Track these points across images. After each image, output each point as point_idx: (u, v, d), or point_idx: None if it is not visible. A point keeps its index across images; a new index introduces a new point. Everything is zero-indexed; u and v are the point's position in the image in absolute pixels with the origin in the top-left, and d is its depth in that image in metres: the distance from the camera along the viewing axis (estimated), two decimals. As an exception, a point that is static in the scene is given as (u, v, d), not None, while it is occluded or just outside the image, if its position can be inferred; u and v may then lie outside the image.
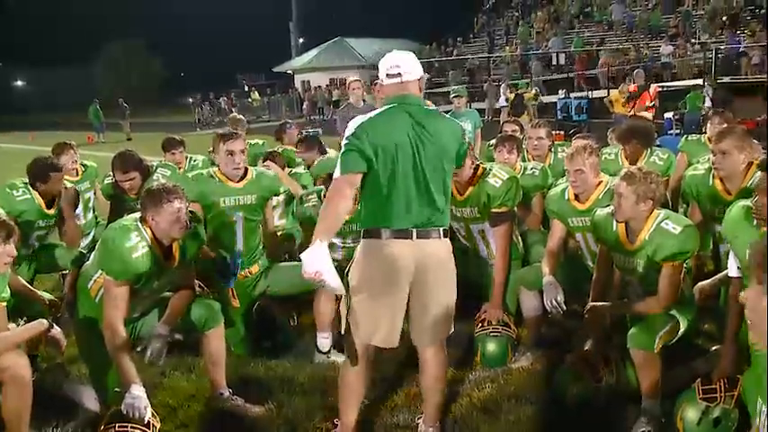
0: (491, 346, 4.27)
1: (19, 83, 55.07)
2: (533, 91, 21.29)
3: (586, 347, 3.85)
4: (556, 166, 5.24)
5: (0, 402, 3.30)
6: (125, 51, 66.30)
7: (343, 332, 3.26)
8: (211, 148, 5.01)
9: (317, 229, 2.93)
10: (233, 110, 28.92)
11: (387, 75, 3.16)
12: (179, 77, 70.76)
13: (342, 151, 3.04)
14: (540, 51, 28.17)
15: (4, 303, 3.55)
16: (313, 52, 43.84)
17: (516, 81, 25.11)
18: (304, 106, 35.83)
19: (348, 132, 3.04)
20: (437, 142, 3.11)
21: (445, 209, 3.19)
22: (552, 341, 4.50)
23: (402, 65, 3.14)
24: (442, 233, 3.18)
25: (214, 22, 78.66)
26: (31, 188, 4.86)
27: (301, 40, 47.79)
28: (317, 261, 2.81)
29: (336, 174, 3.02)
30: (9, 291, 3.55)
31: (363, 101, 8.00)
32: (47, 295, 4.17)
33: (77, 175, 5.94)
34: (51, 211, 4.94)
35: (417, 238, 3.09)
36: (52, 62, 63.54)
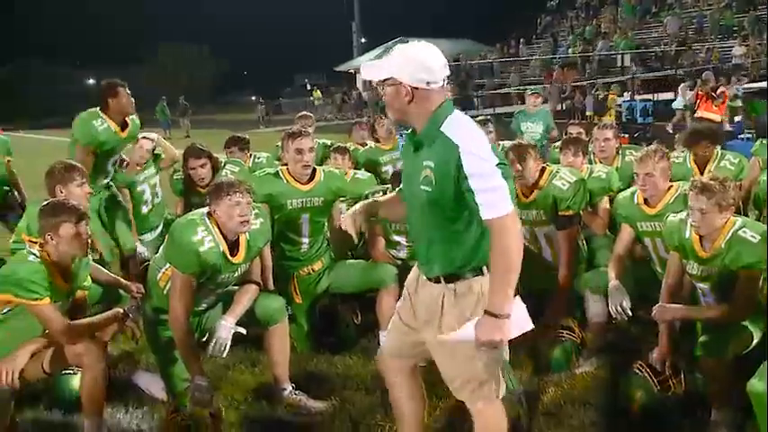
0: (555, 351, 4.22)
1: (91, 81, 56.83)
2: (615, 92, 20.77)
3: (653, 354, 3.77)
4: (623, 170, 5.13)
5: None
6: (187, 50, 67.63)
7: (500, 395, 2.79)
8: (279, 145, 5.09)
9: (503, 282, 2.45)
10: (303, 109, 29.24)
11: (446, 77, 2.62)
12: (240, 76, 71.97)
13: (500, 179, 2.45)
14: (605, 53, 27.63)
15: (86, 292, 3.70)
16: (375, 52, 43.99)
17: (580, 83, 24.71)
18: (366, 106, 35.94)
19: (486, 151, 2.48)
20: None
21: None
22: (617, 347, 4.41)
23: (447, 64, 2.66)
24: None
25: (275, 22, 79.71)
26: (104, 115, 5.10)
27: (363, 40, 48.04)
28: (522, 320, 2.54)
29: (508, 207, 2.44)
30: (90, 280, 3.70)
31: None
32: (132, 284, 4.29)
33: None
34: (125, 134, 5.22)
35: None
36: (120, 61, 65.36)
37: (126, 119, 5.25)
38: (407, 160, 2.78)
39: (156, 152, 6.11)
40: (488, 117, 6.64)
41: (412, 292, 2.86)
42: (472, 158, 2.45)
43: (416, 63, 2.54)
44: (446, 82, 2.61)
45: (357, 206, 3.04)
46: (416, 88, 2.55)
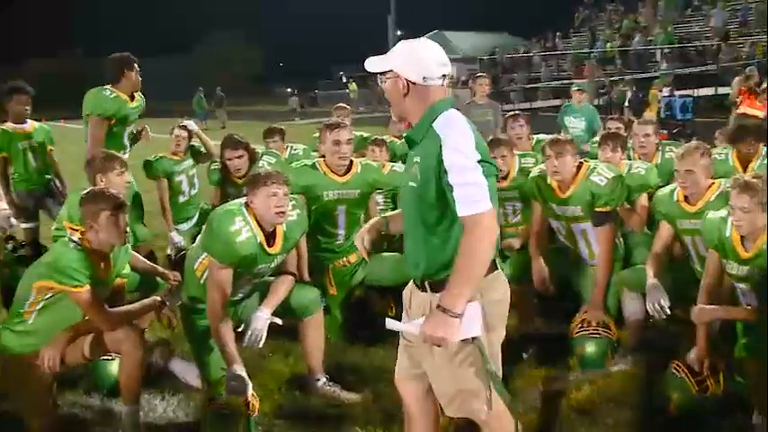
0: (590, 348, 4.17)
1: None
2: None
3: (691, 354, 3.72)
4: (663, 166, 5.05)
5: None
6: (223, 42, 68.16)
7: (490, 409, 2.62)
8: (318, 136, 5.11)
9: (462, 280, 2.36)
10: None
11: (443, 74, 2.55)
12: (276, 68, 72.29)
13: (479, 176, 2.38)
14: (643, 47, 27.20)
15: (125, 279, 3.76)
16: (410, 45, 43.90)
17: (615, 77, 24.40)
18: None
19: (469, 147, 2.41)
20: None
21: None
22: (654, 346, 4.36)
23: (449, 62, 2.59)
24: None
25: (312, 15, 79.91)
26: (114, 88, 5.17)
27: (399, 33, 47.92)
28: (475, 325, 2.42)
29: (485, 206, 2.36)
30: (129, 268, 3.76)
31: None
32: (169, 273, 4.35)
33: (183, 153, 6.23)
34: (134, 104, 5.29)
35: None
36: (154, 51, 66.14)
37: (134, 93, 5.34)
38: (407, 158, 2.75)
39: (193, 144, 6.17)
40: (518, 112, 6.57)
41: (407, 307, 2.79)
42: (452, 153, 2.40)
43: (415, 58, 2.52)
44: (446, 81, 2.56)
45: (366, 226, 3.01)
46: (413, 83, 2.52)
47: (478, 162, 2.39)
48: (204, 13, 76.45)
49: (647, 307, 3.93)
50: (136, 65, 5.27)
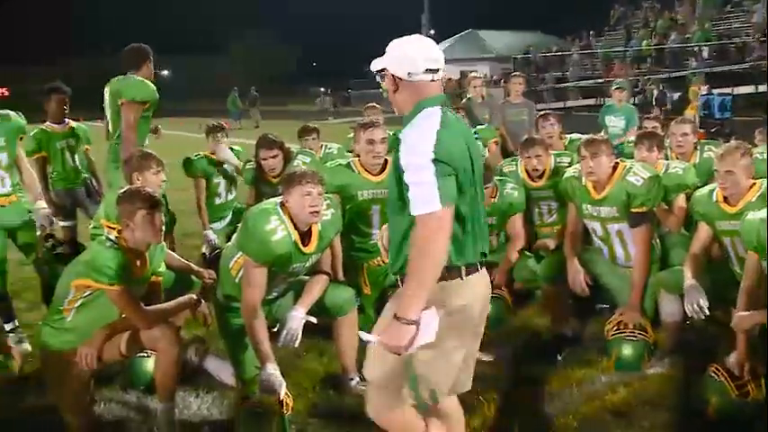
0: (627, 350, 4.13)
1: (164, 72, 58.44)
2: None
3: (731, 358, 3.64)
4: (701, 166, 4.98)
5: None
6: (257, 41, 68.64)
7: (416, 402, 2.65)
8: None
9: (418, 291, 2.32)
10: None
11: (426, 69, 2.50)
12: (310, 67, 72.63)
13: (431, 175, 2.33)
14: (678, 45, 26.77)
15: (161, 278, 3.80)
16: (444, 44, 43.83)
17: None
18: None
19: (425, 146, 2.35)
20: (477, 154, 2.62)
21: None
22: (692, 348, 4.29)
23: (440, 58, 2.54)
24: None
25: (345, 14, 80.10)
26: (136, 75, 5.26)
27: (432, 32, 47.87)
28: (427, 337, 2.35)
29: (434, 206, 2.31)
30: (165, 266, 3.80)
31: (482, 97, 8.01)
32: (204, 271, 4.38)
33: None
34: None
35: (482, 267, 2.64)
36: (187, 51, 66.76)
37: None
38: None
39: (232, 147, 6.19)
40: (548, 111, 6.52)
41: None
42: (407, 151, 2.40)
43: (401, 54, 2.53)
44: (437, 76, 2.52)
45: (385, 226, 2.98)
46: (401, 79, 2.53)
47: (433, 161, 2.34)
48: (236, 12, 77.12)
49: (686, 308, 3.87)
50: (151, 55, 5.36)
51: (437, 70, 2.52)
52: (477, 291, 2.62)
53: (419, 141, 2.39)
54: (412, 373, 2.53)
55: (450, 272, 2.49)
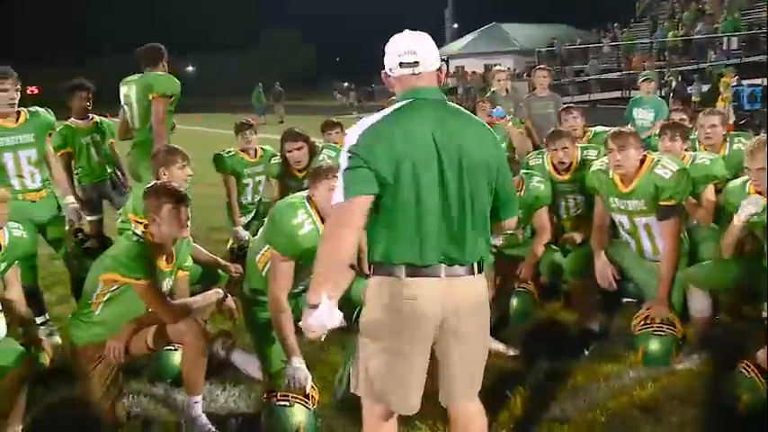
0: (654, 345, 4.08)
1: (189, 68, 58.86)
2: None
3: (761, 354, 3.59)
4: (731, 158, 4.90)
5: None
6: (282, 38, 68.90)
7: (351, 389, 2.73)
8: None
9: (318, 277, 2.37)
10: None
11: (400, 63, 2.50)
12: (333, 62, 72.72)
13: (344, 168, 2.41)
14: (708, 35, 26.39)
15: (187, 272, 3.82)
16: (468, 38, 43.68)
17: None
18: (459, 91, 35.70)
19: (350, 141, 2.42)
20: (471, 149, 2.47)
21: (483, 237, 2.55)
22: (721, 343, 4.24)
23: (419, 50, 2.50)
24: (476, 268, 2.55)
25: (368, 8, 79.99)
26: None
27: (455, 26, 47.73)
28: (323, 321, 2.36)
29: (339, 197, 2.38)
30: (191, 260, 3.82)
31: (507, 90, 7.97)
32: (231, 265, 4.40)
33: (255, 156, 6.13)
34: None
35: (447, 275, 2.48)
36: (213, 49, 67.24)
37: None
38: None
39: (265, 148, 6.17)
40: (571, 105, 6.47)
41: None
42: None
43: (386, 52, 2.56)
44: (414, 69, 2.48)
45: None
46: (388, 76, 2.57)
47: (348, 154, 2.39)
48: (261, 12, 77.53)
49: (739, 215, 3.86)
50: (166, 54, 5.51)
51: (414, 63, 2.49)
52: (427, 297, 2.47)
53: (352, 133, 2.45)
54: (353, 355, 2.55)
55: (384, 268, 2.48)
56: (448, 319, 2.50)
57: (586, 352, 4.31)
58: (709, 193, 4.60)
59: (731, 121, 7.33)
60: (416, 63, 2.49)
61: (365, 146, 2.38)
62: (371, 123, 2.44)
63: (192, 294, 3.83)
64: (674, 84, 20.82)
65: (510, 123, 6.69)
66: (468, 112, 2.61)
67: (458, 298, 2.50)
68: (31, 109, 4.83)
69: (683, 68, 23.76)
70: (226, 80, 61.18)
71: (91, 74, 7.46)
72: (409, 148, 2.39)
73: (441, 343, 2.55)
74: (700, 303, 4.16)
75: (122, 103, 5.63)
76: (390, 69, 2.53)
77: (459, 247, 2.47)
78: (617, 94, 26.48)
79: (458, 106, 2.61)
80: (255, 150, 6.13)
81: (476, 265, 2.53)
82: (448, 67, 40.99)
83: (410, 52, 2.49)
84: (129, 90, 5.51)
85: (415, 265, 2.44)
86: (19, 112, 4.71)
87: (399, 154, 2.38)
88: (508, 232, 4.33)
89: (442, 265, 2.46)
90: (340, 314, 2.37)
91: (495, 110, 6.72)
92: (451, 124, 2.48)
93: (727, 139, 5.14)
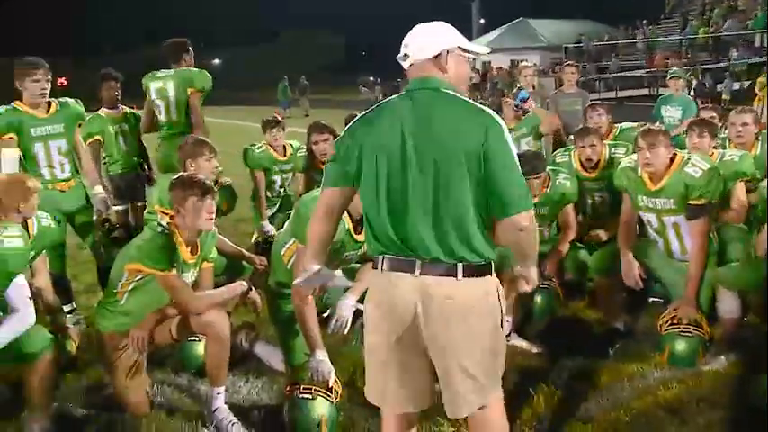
0: (681, 346, 4.03)
1: (216, 61, 59.20)
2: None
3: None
4: (763, 157, 4.81)
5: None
6: (309, 31, 69.05)
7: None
8: None
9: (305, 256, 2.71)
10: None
11: (402, 56, 2.51)
12: (360, 57, 72.70)
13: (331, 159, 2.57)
14: (736, 32, 25.92)
15: (212, 264, 3.84)
16: (494, 33, 43.38)
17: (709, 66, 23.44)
18: (488, 87, 35.48)
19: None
20: (446, 138, 2.32)
21: (467, 234, 2.35)
22: (748, 344, 4.17)
23: (410, 43, 2.47)
24: (461, 270, 2.36)
25: (394, 3, 79.86)
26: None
27: (482, 21, 47.44)
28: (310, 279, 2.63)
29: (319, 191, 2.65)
30: (216, 252, 3.84)
31: (533, 86, 7.92)
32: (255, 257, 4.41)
33: (285, 154, 6.03)
34: None
35: (421, 273, 2.38)
36: (238, 43, 67.56)
37: None
38: None
39: (292, 143, 6.15)
40: (597, 102, 6.39)
41: None
42: None
43: None
44: (405, 63, 2.49)
45: None
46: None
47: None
48: (290, 12, 77.84)
49: None
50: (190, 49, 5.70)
51: (404, 56, 2.50)
52: (400, 290, 2.42)
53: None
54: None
55: (373, 260, 2.55)
56: (428, 324, 2.39)
57: (611, 351, 4.27)
58: (740, 192, 4.53)
59: (763, 120, 7.20)
60: (406, 56, 2.49)
61: (339, 140, 2.54)
62: (357, 118, 2.54)
63: (217, 286, 3.84)
64: (694, 83, 20.48)
65: (534, 105, 6.60)
66: (463, 100, 2.42)
67: (435, 301, 2.37)
68: (61, 99, 4.88)
69: (711, 66, 23.40)
70: (252, 74, 61.44)
71: (91, 74, 7.53)
72: (373, 140, 2.42)
73: (431, 352, 2.45)
74: (729, 304, 4.10)
75: (153, 97, 5.63)
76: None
77: (431, 243, 2.36)
78: (645, 91, 26.19)
79: (452, 94, 2.43)
80: (285, 147, 6.03)
81: (460, 266, 2.36)
82: (474, 62, 40.81)
83: (404, 46, 2.51)
84: (164, 84, 5.55)
85: (392, 258, 2.44)
86: (49, 103, 4.77)
87: (363, 147, 2.43)
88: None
89: (417, 261, 2.38)
90: (339, 271, 2.65)
91: (519, 93, 6.62)
92: (427, 113, 2.37)
93: (759, 138, 5.05)
